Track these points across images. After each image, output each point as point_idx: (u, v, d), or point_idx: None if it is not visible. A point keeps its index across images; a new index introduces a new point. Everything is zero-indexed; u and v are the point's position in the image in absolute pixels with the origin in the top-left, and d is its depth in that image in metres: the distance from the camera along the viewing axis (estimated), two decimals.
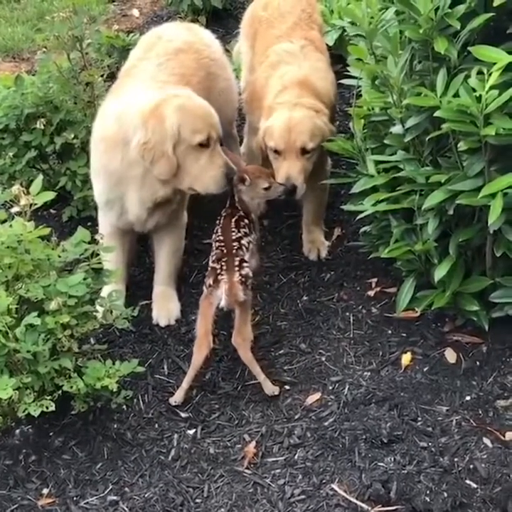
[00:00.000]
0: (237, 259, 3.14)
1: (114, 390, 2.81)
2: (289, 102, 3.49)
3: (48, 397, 2.68)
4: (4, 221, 2.94)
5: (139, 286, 3.65)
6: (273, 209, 3.97)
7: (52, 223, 4.01)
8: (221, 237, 3.25)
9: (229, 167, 3.23)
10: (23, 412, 2.65)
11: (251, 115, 3.94)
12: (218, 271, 3.11)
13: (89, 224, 3.86)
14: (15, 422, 2.94)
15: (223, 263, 3.13)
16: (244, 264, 3.14)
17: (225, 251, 3.18)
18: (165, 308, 3.50)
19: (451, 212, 2.84)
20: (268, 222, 3.94)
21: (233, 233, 3.23)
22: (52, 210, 4.10)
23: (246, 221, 3.32)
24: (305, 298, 3.55)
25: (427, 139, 2.83)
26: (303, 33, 3.80)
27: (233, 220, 3.30)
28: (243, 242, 3.22)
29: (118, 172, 3.24)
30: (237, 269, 3.10)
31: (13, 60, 5.75)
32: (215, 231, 3.33)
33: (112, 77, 4.04)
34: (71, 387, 2.72)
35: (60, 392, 2.76)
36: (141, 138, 3.14)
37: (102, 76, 3.99)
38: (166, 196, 3.29)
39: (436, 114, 2.62)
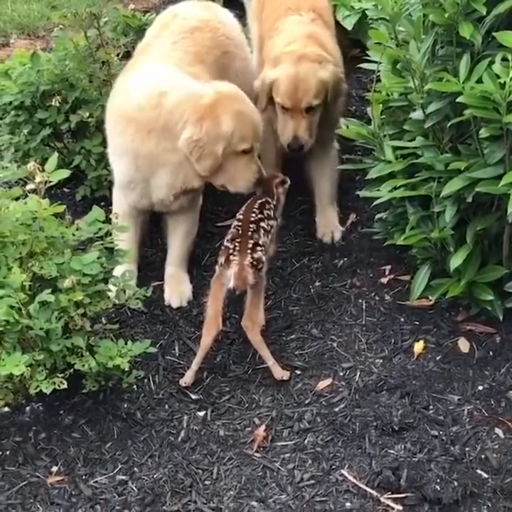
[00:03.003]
0: (251, 241, 3.11)
1: (126, 369, 2.80)
2: (296, 52, 3.52)
3: (60, 375, 2.67)
4: (18, 198, 2.92)
5: (150, 267, 3.64)
6: (287, 194, 3.95)
7: (66, 202, 3.93)
8: (240, 217, 3.24)
9: (261, 173, 3.35)
10: (35, 389, 2.64)
11: None
12: (231, 251, 3.09)
13: (102, 204, 3.80)
14: (25, 399, 2.93)
15: (237, 244, 3.11)
16: (258, 248, 3.11)
17: (240, 231, 3.16)
18: (177, 289, 3.48)
19: (469, 200, 2.81)
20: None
21: (253, 214, 3.21)
22: (65, 189, 4.08)
23: (272, 205, 3.30)
24: (317, 283, 3.53)
25: (447, 125, 2.79)
26: (311, 2, 3.79)
27: (259, 201, 3.29)
28: (262, 224, 3.20)
29: (150, 155, 3.24)
30: (249, 251, 3.08)
31: (28, 37, 5.72)
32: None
33: (127, 56, 4.00)
34: (83, 365, 2.71)
35: (71, 370, 2.75)
36: (194, 135, 3.17)
37: (117, 55, 3.96)
38: (198, 187, 3.35)
39: (459, 99, 2.58)
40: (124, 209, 3.43)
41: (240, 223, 3.19)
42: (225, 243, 3.17)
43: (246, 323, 3.08)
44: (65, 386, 2.67)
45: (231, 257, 3.08)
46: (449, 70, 2.73)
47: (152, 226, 3.69)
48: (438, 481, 2.69)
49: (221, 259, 3.11)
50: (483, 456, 2.76)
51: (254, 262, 3.07)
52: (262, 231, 3.18)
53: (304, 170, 3.88)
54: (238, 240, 3.11)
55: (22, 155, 3.87)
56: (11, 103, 3.85)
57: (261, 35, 3.97)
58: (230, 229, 3.22)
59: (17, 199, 2.93)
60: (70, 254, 2.77)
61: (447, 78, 2.67)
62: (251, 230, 3.15)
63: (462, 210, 2.93)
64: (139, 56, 3.63)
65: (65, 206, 2.91)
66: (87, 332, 2.80)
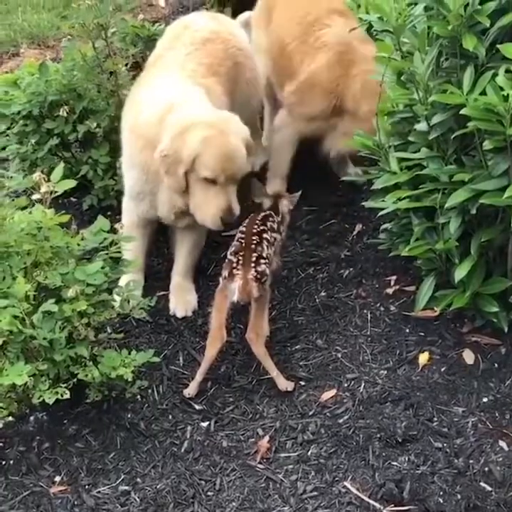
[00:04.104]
0: (255, 254, 3.11)
1: (129, 379, 2.80)
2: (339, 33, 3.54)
3: (63, 385, 2.68)
4: (25, 208, 2.94)
5: (156, 277, 3.64)
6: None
7: (73, 212, 3.99)
8: (243, 229, 3.24)
9: (227, 212, 3.18)
10: (38, 398, 2.65)
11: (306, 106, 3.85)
12: (234, 264, 3.10)
13: (109, 213, 3.86)
14: (29, 408, 2.94)
15: (240, 257, 3.11)
16: (262, 261, 3.12)
17: (243, 244, 3.16)
18: (182, 299, 3.49)
19: (473, 211, 2.80)
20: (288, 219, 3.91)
21: (255, 227, 3.21)
22: (72, 199, 4.09)
23: (276, 218, 3.31)
24: (323, 294, 3.53)
25: (451, 137, 2.79)
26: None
27: (262, 214, 3.30)
28: (265, 236, 3.20)
29: (157, 170, 3.25)
30: (253, 265, 3.08)
31: (38, 47, 5.76)
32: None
33: (136, 66, 4.03)
34: (86, 375, 2.71)
35: (75, 380, 2.76)
36: (164, 149, 3.15)
37: (126, 65, 3.98)
38: (183, 208, 3.28)
39: (463, 111, 2.58)
40: (133, 219, 3.46)
41: (242, 235, 3.20)
42: (229, 256, 3.17)
43: (250, 336, 3.08)
44: (68, 396, 2.67)
45: (235, 270, 3.08)
46: (453, 82, 2.73)
47: (159, 235, 3.71)
48: (441, 493, 2.68)
49: (225, 273, 3.12)
50: (486, 469, 2.75)
51: (258, 276, 3.07)
52: (265, 243, 3.18)
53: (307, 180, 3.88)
54: (241, 254, 3.12)
55: (29, 164, 3.89)
56: (19, 113, 3.87)
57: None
58: (233, 242, 3.23)
59: (23, 209, 2.95)
60: (75, 264, 2.78)
61: (451, 90, 2.67)
62: (254, 242, 3.15)
63: (467, 221, 2.93)
64: (151, 68, 3.65)
65: (70, 216, 2.93)
66: (90, 342, 2.80)
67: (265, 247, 3.17)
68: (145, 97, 3.33)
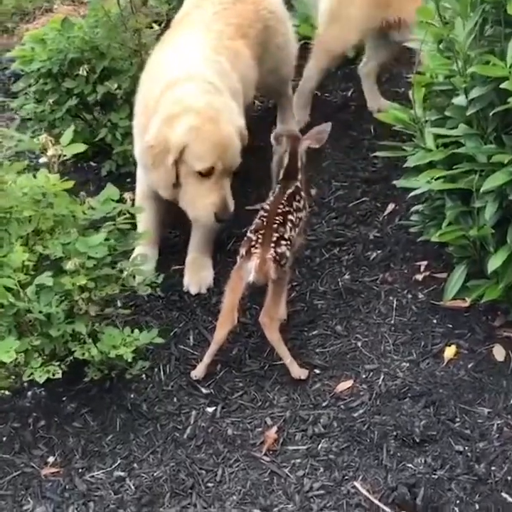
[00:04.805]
0: (276, 234, 2.90)
1: (129, 360, 2.63)
2: None
3: (57, 363, 2.51)
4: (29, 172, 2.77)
5: (172, 250, 3.45)
6: (322, 178, 3.74)
7: (91, 176, 3.85)
8: (267, 207, 3.03)
9: (222, 208, 3.00)
10: (29, 376, 2.49)
11: None
12: (253, 243, 2.89)
13: (128, 180, 3.69)
14: (28, 383, 2.79)
15: (260, 235, 2.90)
16: (283, 242, 2.90)
17: (265, 223, 2.95)
18: (197, 275, 3.30)
19: None
20: (315, 192, 3.69)
21: (281, 206, 2.99)
22: (92, 163, 3.92)
23: (301, 195, 3.09)
24: (347, 277, 3.30)
25: (491, 113, 2.54)
26: None
27: (288, 192, 3.07)
28: (290, 217, 2.98)
29: None
30: (273, 245, 2.87)
31: (72, 2, 5.56)
32: (267, 200, 3.11)
33: (168, 25, 3.82)
34: (83, 354, 2.55)
35: (72, 358, 2.59)
36: (150, 139, 2.96)
37: (155, 22, 3.78)
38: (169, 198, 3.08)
39: (504, 85, 2.33)
40: (144, 189, 3.27)
41: (265, 214, 2.98)
42: (248, 234, 2.96)
43: (263, 320, 2.89)
44: (60, 375, 2.51)
45: (253, 249, 2.87)
46: (496, 53, 2.47)
47: (176, 206, 3.51)
48: (457, 502, 2.47)
49: (242, 251, 2.91)
50: (509, 478, 2.53)
51: (277, 257, 2.86)
52: (288, 224, 2.96)
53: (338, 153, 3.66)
54: (262, 232, 2.90)
55: (47, 125, 3.72)
56: (38, 70, 3.70)
57: None
58: (255, 219, 3.01)
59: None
60: (77, 235, 2.61)
61: (493, 61, 2.41)
62: (277, 222, 2.93)
63: (504, 207, 2.68)
64: (177, 26, 3.45)
65: (73, 182, 2.74)
66: (91, 317, 2.63)
67: (288, 229, 2.95)
68: (161, 60, 3.13)
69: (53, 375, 2.47)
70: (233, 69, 3.25)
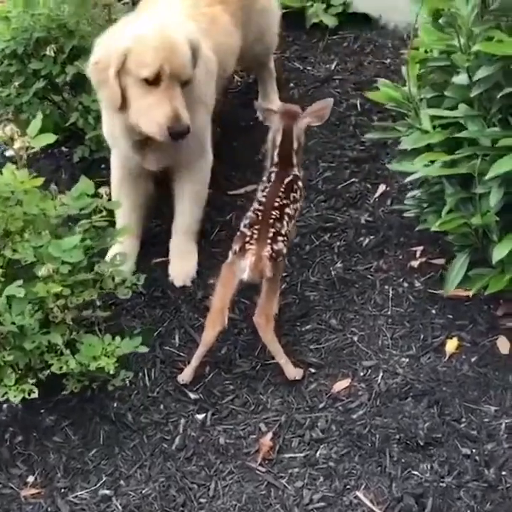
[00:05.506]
0: (273, 230, 2.70)
1: (111, 371, 2.43)
2: None
3: (32, 381, 2.31)
4: None
5: (154, 241, 3.24)
6: (308, 158, 3.53)
7: (63, 162, 3.62)
8: (263, 200, 2.80)
9: (175, 119, 2.73)
10: (2, 396, 2.29)
11: None
12: (248, 239, 2.68)
13: (102, 166, 3.47)
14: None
15: (255, 231, 2.69)
16: (280, 238, 2.70)
17: (260, 218, 2.73)
18: (181, 265, 3.11)
19: None
20: (303, 174, 3.48)
21: (278, 200, 2.77)
22: (63, 148, 3.68)
23: (299, 185, 2.87)
24: (339, 265, 3.12)
25: (497, 95, 2.33)
26: None
27: (286, 181, 2.85)
28: (287, 210, 2.77)
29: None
30: (269, 241, 2.67)
31: None
32: (260, 188, 2.88)
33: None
34: (61, 367, 2.35)
35: (49, 371, 2.40)
36: (95, 56, 2.78)
37: None
38: (125, 127, 2.86)
39: None
40: (120, 173, 3.07)
41: (261, 207, 2.76)
42: (242, 229, 2.74)
43: (259, 320, 2.70)
44: (36, 395, 2.31)
45: (247, 245, 2.66)
46: (503, 28, 2.26)
47: (157, 195, 3.29)
48: None
49: (236, 247, 2.69)
50: None
51: (274, 254, 2.66)
52: (285, 219, 2.75)
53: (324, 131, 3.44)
54: (257, 227, 2.69)
55: (14, 110, 3.47)
56: (2, 51, 3.44)
57: None
58: (249, 213, 2.79)
59: None
60: (49, 237, 2.39)
61: (500, 38, 2.20)
62: (273, 217, 2.72)
63: (510, 193, 2.49)
64: None
65: (43, 179, 2.52)
66: (68, 326, 2.43)
67: (285, 224, 2.75)
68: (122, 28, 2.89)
69: (29, 394, 2.27)
70: (206, 36, 3.01)
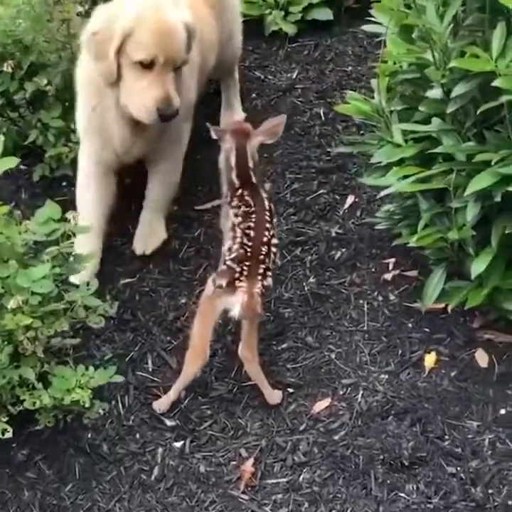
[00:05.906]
0: (263, 266, 2.60)
1: (87, 404, 2.34)
2: None
3: (4, 420, 2.21)
4: None
5: (119, 262, 3.15)
6: (275, 170, 3.48)
7: (22, 182, 3.48)
8: (251, 233, 2.64)
9: (165, 102, 2.76)
10: None
11: None
12: (237, 275, 2.56)
13: (64, 184, 3.38)
14: None
15: (245, 268, 2.57)
16: (269, 273, 2.62)
17: (249, 254, 2.61)
18: (144, 236, 3.14)
19: (498, 198, 2.35)
20: (270, 186, 3.43)
21: (267, 233, 2.66)
22: (22, 167, 3.53)
23: (271, 207, 2.77)
24: (312, 280, 3.06)
25: (475, 111, 2.30)
26: None
27: (269, 208, 2.74)
28: (274, 241, 2.68)
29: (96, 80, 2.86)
30: (260, 278, 2.58)
31: None
32: (233, 212, 2.73)
33: None
34: (34, 403, 2.25)
35: (21, 407, 2.30)
36: (94, 26, 2.77)
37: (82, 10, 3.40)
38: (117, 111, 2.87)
39: (495, 83, 2.09)
40: (90, 168, 3.06)
41: (249, 243, 2.61)
42: (228, 263, 2.60)
43: (245, 354, 2.63)
44: (11, 434, 2.21)
45: (237, 282, 2.55)
46: (478, 43, 2.23)
47: (121, 211, 3.20)
48: None
49: (222, 281, 2.55)
50: (510, 503, 2.36)
51: (264, 290, 2.59)
52: (272, 251, 2.66)
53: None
54: (247, 264, 2.58)
55: None
56: None
57: None
58: (235, 243, 2.63)
59: None
60: (16, 266, 2.29)
61: (477, 53, 2.17)
62: (263, 253, 2.62)
63: (486, 207, 2.47)
64: None
65: (8, 207, 2.42)
66: (40, 358, 2.33)
67: (272, 256, 2.66)
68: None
69: (3, 434, 2.17)
70: None
